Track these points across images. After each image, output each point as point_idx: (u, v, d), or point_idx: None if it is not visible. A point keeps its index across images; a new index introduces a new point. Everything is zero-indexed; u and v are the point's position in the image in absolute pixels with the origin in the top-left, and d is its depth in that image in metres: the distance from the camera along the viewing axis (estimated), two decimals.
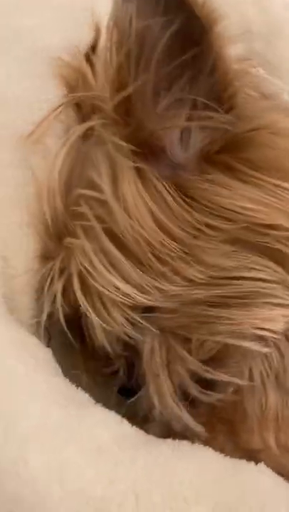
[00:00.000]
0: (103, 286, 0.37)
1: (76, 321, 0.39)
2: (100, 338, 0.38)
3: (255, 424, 0.42)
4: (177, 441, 0.36)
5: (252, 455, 0.40)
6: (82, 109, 0.45)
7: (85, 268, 0.38)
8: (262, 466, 0.36)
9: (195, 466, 0.33)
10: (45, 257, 0.41)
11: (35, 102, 0.43)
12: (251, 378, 0.42)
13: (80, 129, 0.42)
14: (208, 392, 0.38)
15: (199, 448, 0.36)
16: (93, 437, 0.31)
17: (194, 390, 0.38)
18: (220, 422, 0.42)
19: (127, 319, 0.37)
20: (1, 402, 0.30)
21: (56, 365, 0.38)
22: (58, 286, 0.39)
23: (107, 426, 0.33)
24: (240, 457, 0.38)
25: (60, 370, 0.37)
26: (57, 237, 0.41)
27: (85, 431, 0.31)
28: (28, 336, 0.38)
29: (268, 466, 0.39)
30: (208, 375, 0.37)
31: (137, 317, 0.37)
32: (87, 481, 0.29)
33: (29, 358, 0.34)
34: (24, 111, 0.43)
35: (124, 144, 0.38)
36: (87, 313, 0.37)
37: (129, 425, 0.34)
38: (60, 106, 0.43)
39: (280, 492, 0.34)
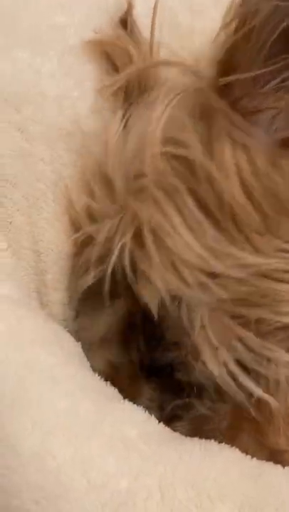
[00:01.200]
0: (176, 245, 0.37)
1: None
2: (153, 299, 0.38)
3: (280, 424, 0.42)
4: (204, 440, 0.36)
5: (278, 456, 0.40)
6: (128, 89, 0.46)
7: (159, 224, 0.38)
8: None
9: (220, 465, 0.33)
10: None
11: (67, 99, 0.44)
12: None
13: (174, 96, 0.41)
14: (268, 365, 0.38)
15: (225, 447, 0.36)
16: (119, 432, 0.32)
17: (254, 363, 0.38)
18: (245, 421, 0.43)
19: (194, 281, 0.37)
20: (30, 394, 0.31)
21: (85, 359, 0.38)
22: (128, 237, 0.38)
23: (134, 422, 0.33)
24: (266, 458, 0.38)
25: (88, 364, 0.38)
26: (124, 197, 0.41)
27: (112, 426, 0.32)
28: (59, 330, 0.38)
29: None
30: (266, 352, 0.38)
31: (207, 281, 0.37)
32: (112, 475, 0.29)
33: (59, 351, 0.35)
34: (55, 108, 0.43)
35: (224, 107, 0.38)
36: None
37: (156, 422, 0.35)
38: (115, 82, 0.45)
39: None
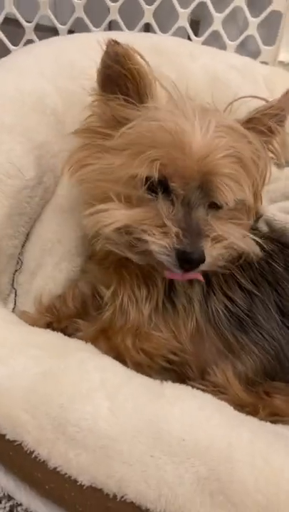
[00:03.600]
0: None
1: None
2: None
3: (120, 332, 0.67)
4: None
5: (115, 347, 0.66)
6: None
7: None
8: (90, 345, 0.62)
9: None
10: None
11: None
12: (122, 302, 0.67)
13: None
14: None
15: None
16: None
17: None
18: (101, 333, 0.68)
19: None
20: None
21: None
22: None
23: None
24: (113, 355, 0.62)
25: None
26: None
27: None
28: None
29: (130, 361, 0.66)
30: None
31: None
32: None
33: None
34: None
35: None
36: None
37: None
38: None
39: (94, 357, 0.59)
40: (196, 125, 0.60)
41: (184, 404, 0.51)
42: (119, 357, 0.65)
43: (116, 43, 0.63)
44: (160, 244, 0.59)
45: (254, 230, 0.73)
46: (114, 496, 0.48)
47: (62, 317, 0.76)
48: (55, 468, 0.50)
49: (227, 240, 0.62)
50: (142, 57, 0.65)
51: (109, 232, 0.61)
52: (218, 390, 0.63)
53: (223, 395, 0.63)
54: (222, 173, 0.60)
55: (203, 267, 0.60)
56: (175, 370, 0.70)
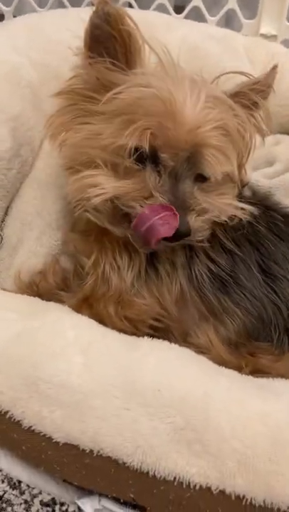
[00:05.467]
0: None
1: None
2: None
3: (102, 300, 0.66)
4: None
5: (103, 322, 0.63)
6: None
7: None
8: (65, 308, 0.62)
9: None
10: None
11: None
12: (104, 270, 0.66)
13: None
14: None
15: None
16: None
17: None
18: (83, 302, 0.67)
19: None
20: None
21: None
22: None
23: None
24: (97, 319, 0.62)
25: None
26: None
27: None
28: None
29: (113, 329, 0.62)
30: None
31: None
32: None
33: None
34: None
35: None
36: None
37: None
38: None
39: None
40: (188, 95, 0.59)
41: (160, 355, 0.51)
42: (102, 325, 0.63)
43: (106, 2, 0.60)
44: None
45: (237, 196, 0.71)
46: (91, 452, 0.48)
47: (42, 293, 0.74)
48: (30, 428, 0.49)
49: (211, 213, 0.63)
50: (132, 20, 0.62)
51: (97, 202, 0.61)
52: (200, 351, 0.62)
53: (206, 354, 0.61)
54: (211, 144, 0.60)
55: (187, 239, 0.61)
56: (158, 337, 0.66)
